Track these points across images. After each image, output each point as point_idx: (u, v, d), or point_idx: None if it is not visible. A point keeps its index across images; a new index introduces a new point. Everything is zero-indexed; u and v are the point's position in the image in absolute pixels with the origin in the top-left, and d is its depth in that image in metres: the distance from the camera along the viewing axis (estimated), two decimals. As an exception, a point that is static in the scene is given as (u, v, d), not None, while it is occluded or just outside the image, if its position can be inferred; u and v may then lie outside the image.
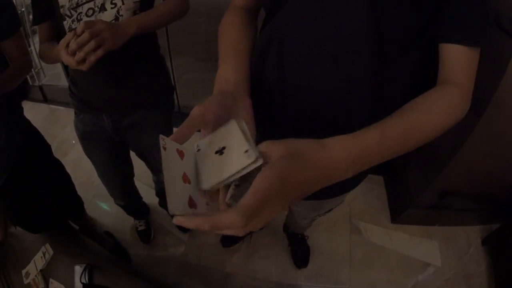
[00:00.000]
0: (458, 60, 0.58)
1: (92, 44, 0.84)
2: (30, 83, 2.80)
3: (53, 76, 2.84)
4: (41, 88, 2.77)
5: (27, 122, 1.31)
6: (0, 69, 1.12)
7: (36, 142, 1.36)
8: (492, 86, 1.17)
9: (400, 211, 1.87)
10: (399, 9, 0.54)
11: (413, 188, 1.80)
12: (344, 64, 0.61)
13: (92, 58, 0.86)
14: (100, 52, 0.86)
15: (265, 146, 0.45)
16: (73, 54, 0.85)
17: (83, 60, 0.86)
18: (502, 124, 1.31)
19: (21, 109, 1.30)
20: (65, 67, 2.15)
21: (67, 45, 0.85)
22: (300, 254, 1.80)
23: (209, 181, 0.46)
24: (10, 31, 1.12)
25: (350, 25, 0.57)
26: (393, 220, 1.93)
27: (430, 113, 0.55)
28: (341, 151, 0.47)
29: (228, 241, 1.85)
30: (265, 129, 0.66)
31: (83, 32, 0.84)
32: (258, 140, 0.48)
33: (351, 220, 1.96)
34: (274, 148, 0.45)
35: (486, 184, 1.61)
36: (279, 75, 0.69)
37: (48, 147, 1.41)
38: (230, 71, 0.63)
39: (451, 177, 1.58)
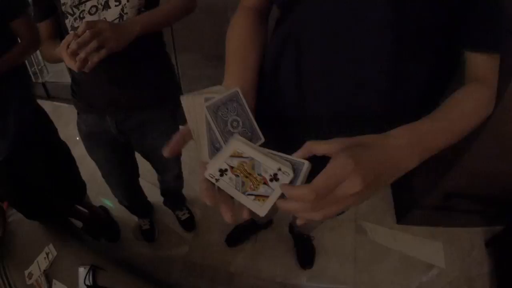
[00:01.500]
0: (484, 64, 0.59)
1: (93, 44, 0.77)
2: (33, 80, 2.71)
3: (56, 73, 2.76)
4: (44, 85, 2.70)
5: (36, 102, 1.32)
6: (9, 45, 1.14)
7: (44, 121, 1.36)
8: (501, 89, 1.13)
9: (406, 212, 1.83)
10: (419, 8, 0.54)
11: (418, 189, 1.76)
12: (364, 64, 0.59)
13: (95, 59, 0.79)
14: (102, 53, 0.80)
15: (324, 144, 0.45)
16: (74, 55, 0.77)
17: (85, 62, 0.79)
18: (509, 127, 1.28)
19: (32, 88, 1.31)
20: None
21: (69, 46, 0.78)
22: (305, 254, 1.75)
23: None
24: (20, 10, 1.13)
25: (369, 24, 0.56)
26: (398, 221, 1.88)
27: (467, 111, 0.56)
28: (401, 137, 0.48)
29: (233, 241, 1.79)
30: (278, 134, 0.63)
31: (84, 32, 0.77)
32: (269, 147, 0.49)
33: (356, 220, 1.90)
34: (338, 142, 0.45)
35: (491, 186, 1.57)
36: (296, 77, 0.66)
37: (55, 129, 1.41)
38: (233, 80, 0.61)
39: (456, 179, 1.54)
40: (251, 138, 0.52)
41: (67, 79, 2.54)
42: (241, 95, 0.52)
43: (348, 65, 0.60)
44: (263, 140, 0.53)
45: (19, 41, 1.18)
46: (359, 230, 1.85)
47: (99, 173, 1.45)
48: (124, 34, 0.85)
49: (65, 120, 2.38)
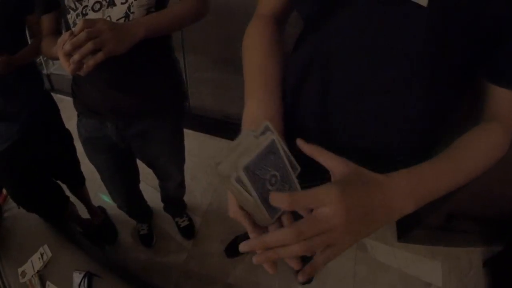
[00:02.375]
0: (507, 102, 0.55)
1: (89, 46, 0.68)
2: (38, 71, 2.61)
3: (61, 65, 2.65)
4: (48, 76, 2.60)
5: (46, 90, 1.33)
6: (23, 44, 1.13)
7: (52, 107, 1.37)
8: None
9: (407, 230, 1.78)
10: (460, 42, 0.49)
11: (423, 209, 1.68)
12: (396, 94, 0.56)
13: (90, 63, 0.70)
14: (99, 57, 0.70)
15: (331, 160, 0.45)
16: (69, 56, 0.69)
17: (80, 65, 0.70)
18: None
19: (41, 75, 1.32)
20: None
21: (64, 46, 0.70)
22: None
23: None
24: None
25: (407, 52, 0.51)
26: (399, 239, 1.83)
27: (479, 153, 0.54)
28: (401, 178, 0.46)
29: (233, 252, 1.72)
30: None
31: (81, 31, 0.68)
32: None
33: (358, 237, 1.84)
34: (341, 164, 0.44)
35: (493, 207, 1.56)
36: (322, 96, 0.61)
37: (61, 118, 1.42)
38: (258, 106, 0.56)
39: (461, 200, 1.51)
40: (289, 188, 0.47)
41: (72, 72, 2.47)
42: (277, 143, 0.44)
43: (379, 90, 0.56)
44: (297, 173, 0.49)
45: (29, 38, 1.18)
46: (360, 246, 1.80)
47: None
48: (125, 37, 0.75)
49: (68, 115, 2.27)
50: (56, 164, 1.46)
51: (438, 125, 0.61)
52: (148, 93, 1.03)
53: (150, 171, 1.45)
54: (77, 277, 1.20)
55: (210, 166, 2.06)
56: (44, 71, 2.57)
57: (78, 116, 1.15)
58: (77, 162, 1.56)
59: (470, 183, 1.36)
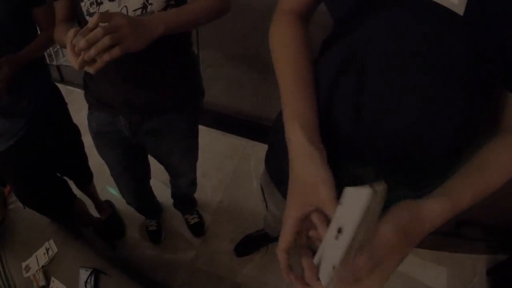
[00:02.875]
0: None
1: (106, 40, 0.62)
2: (48, 62, 2.55)
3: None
4: (58, 68, 2.55)
5: (53, 83, 1.28)
6: (30, 37, 1.09)
7: (60, 102, 1.32)
8: None
9: None
10: (489, 49, 0.49)
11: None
12: (430, 101, 0.53)
13: (105, 58, 0.64)
14: (115, 52, 0.65)
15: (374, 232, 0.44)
16: (80, 51, 0.63)
17: (91, 61, 0.65)
18: None
19: (49, 69, 1.26)
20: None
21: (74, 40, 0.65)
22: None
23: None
24: None
25: (441, 54, 0.49)
26: (406, 244, 1.81)
27: (503, 167, 0.55)
28: (438, 208, 0.48)
29: (242, 251, 1.68)
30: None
31: (96, 25, 0.63)
32: None
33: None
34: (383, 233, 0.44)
35: (501, 217, 1.58)
36: (354, 113, 0.58)
37: (68, 111, 1.37)
38: (309, 112, 0.56)
39: (471, 208, 1.49)
40: None
41: (83, 64, 2.42)
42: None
43: (413, 96, 0.53)
44: None
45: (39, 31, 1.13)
46: (367, 249, 1.78)
47: (106, 166, 1.32)
48: (144, 33, 0.70)
49: (77, 106, 2.23)
50: (63, 160, 1.41)
51: (467, 134, 0.60)
52: (164, 89, 0.98)
53: (160, 166, 1.40)
54: (83, 274, 1.18)
55: (222, 163, 2.03)
56: (54, 62, 2.53)
57: (90, 108, 1.10)
58: (84, 158, 1.52)
59: None
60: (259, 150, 2.07)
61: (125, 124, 1.03)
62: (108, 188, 1.90)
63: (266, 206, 1.03)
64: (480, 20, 0.46)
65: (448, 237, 1.70)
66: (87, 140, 1.44)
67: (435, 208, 0.48)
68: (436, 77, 0.51)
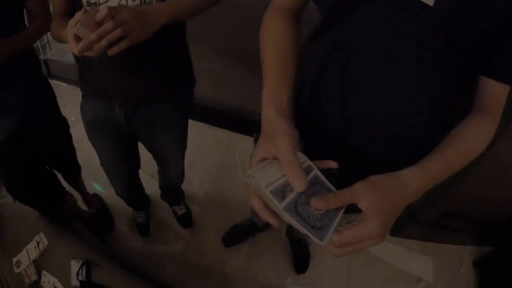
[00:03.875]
0: (496, 94, 0.61)
1: (116, 33, 0.69)
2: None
3: (59, 50, 2.59)
4: (45, 62, 2.52)
5: (44, 77, 1.29)
6: (20, 27, 1.10)
7: (50, 96, 1.32)
8: (507, 119, 1.14)
9: (401, 225, 1.79)
10: (461, 37, 0.54)
11: (417, 205, 1.72)
12: (411, 86, 0.58)
13: (115, 50, 0.71)
14: (124, 44, 0.71)
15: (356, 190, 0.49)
16: (91, 44, 0.69)
17: (91, 47, 0.71)
18: (510, 156, 1.33)
19: (39, 63, 1.27)
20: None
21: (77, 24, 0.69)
22: (301, 259, 1.70)
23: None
24: None
25: (416, 43, 0.55)
26: (392, 233, 1.85)
27: (473, 143, 0.61)
28: (417, 181, 0.53)
29: (230, 241, 1.71)
30: (314, 142, 0.62)
31: (103, 19, 0.69)
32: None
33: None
34: (362, 190, 0.49)
35: (486, 209, 1.61)
36: (340, 96, 0.63)
37: (57, 105, 1.37)
38: (282, 93, 0.60)
39: (455, 199, 1.56)
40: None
41: (70, 58, 2.40)
42: (319, 175, 0.51)
43: (393, 83, 0.58)
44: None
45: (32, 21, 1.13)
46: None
47: (95, 159, 1.34)
48: (148, 25, 0.75)
49: (64, 101, 2.22)
50: (52, 152, 1.42)
51: (444, 117, 0.64)
52: (159, 77, 1.01)
53: (147, 159, 1.42)
54: (75, 265, 1.18)
55: (208, 156, 2.06)
56: (41, 57, 2.50)
57: (84, 97, 1.11)
58: (73, 151, 1.53)
59: (464, 184, 1.44)
60: (244, 142, 2.10)
61: (120, 112, 1.05)
62: (93, 184, 1.90)
63: None
64: (450, 9, 0.50)
65: (433, 227, 1.73)
66: (74, 133, 1.47)
67: (408, 174, 0.53)
68: (412, 64, 0.56)
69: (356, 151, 0.66)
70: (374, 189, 0.49)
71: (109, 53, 0.71)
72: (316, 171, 0.50)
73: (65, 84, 2.47)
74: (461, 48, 0.55)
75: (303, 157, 0.50)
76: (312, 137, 0.61)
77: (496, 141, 1.25)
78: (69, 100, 2.24)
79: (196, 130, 2.10)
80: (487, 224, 1.66)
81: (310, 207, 0.47)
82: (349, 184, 0.50)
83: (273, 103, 0.58)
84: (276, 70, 0.62)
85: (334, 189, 0.51)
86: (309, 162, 0.51)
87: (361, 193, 0.48)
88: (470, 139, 0.60)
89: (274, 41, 0.65)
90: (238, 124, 2.11)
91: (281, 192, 0.46)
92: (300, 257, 1.70)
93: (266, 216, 0.49)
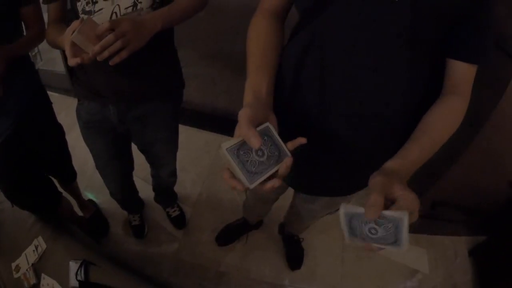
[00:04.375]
0: (463, 74, 0.65)
1: (118, 45, 0.76)
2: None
3: (49, 60, 2.62)
4: (36, 72, 2.55)
5: (39, 83, 1.31)
6: (15, 36, 1.12)
7: (45, 101, 1.35)
8: (492, 104, 1.18)
9: None
10: (424, 24, 0.59)
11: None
12: (383, 72, 0.64)
13: (116, 60, 0.78)
14: (124, 54, 0.78)
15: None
16: (95, 56, 0.76)
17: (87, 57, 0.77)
18: (498, 143, 1.34)
19: (34, 71, 1.29)
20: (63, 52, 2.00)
21: (73, 46, 0.76)
22: (294, 256, 1.72)
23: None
24: None
25: (385, 33, 0.60)
26: (385, 227, 1.85)
27: (446, 124, 0.66)
28: (400, 171, 0.58)
29: (224, 240, 1.73)
30: (296, 129, 0.67)
31: (104, 32, 0.76)
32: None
33: (346, 224, 1.88)
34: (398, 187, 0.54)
35: (476, 197, 1.60)
36: (319, 84, 0.69)
37: (53, 111, 1.40)
38: (262, 81, 0.65)
39: (444, 189, 1.56)
40: (278, 156, 0.57)
41: (60, 68, 2.42)
42: (271, 128, 0.58)
43: (368, 68, 0.64)
44: (290, 156, 0.57)
45: (25, 32, 1.16)
46: (347, 232, 1.83)
47: (89, 166, 1.38)
48: (145, 34, 0.82)
49: (56, 110, 2.28)
50: (48, 158, 1.44)
51: (417, 97, 0.69)
52: (151, 79, 1.07)
53: (140, 163, 1.45)
54: (73, 266, 1.19)
55: (199, 158, 2.08)
56: (33, 67, 2.55)
57: (79, 100, 1.16)
58: (69, 156, 1.55)
59: (452, 173, 1.44)
60: (234, 144, 2.13)
61: (113, 111, 1.10)
62: (86, 192, 1.91)
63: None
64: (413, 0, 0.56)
65: (425, 218, 1.68)
66: (67, 140, 1.50)
67: (392, 165, 0.58)
68: (383, 51, 0.61)
69: (336, 132, 0.71)
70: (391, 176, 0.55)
71: (111, 63, 0.77)
72: (268, 129, 0.57)
73: (56, 94, 2.49)
74: (426, 33, 0.60)
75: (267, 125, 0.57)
76: (294, 125, 0.67)
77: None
78: (62, 108, 2.27)
79: (186, 134, 2.11)
80: (479, 213, 1.66)
81: (252, 153, 0.53)
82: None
83: (252, 91, 0.64)
84: (257, 61, 0.68)
85: (281, 141, 0.57)
86: (267, 124, 0.57)
87: (389, 179, 0.54)
88: (443, 124, 0.65)
89: (257, 38, 0.71)
90: (227, 126, 2.10)
91: (236, 149, 0.53)
92: (293, 253, 1.71)
93: (230, 182, 0.54)
